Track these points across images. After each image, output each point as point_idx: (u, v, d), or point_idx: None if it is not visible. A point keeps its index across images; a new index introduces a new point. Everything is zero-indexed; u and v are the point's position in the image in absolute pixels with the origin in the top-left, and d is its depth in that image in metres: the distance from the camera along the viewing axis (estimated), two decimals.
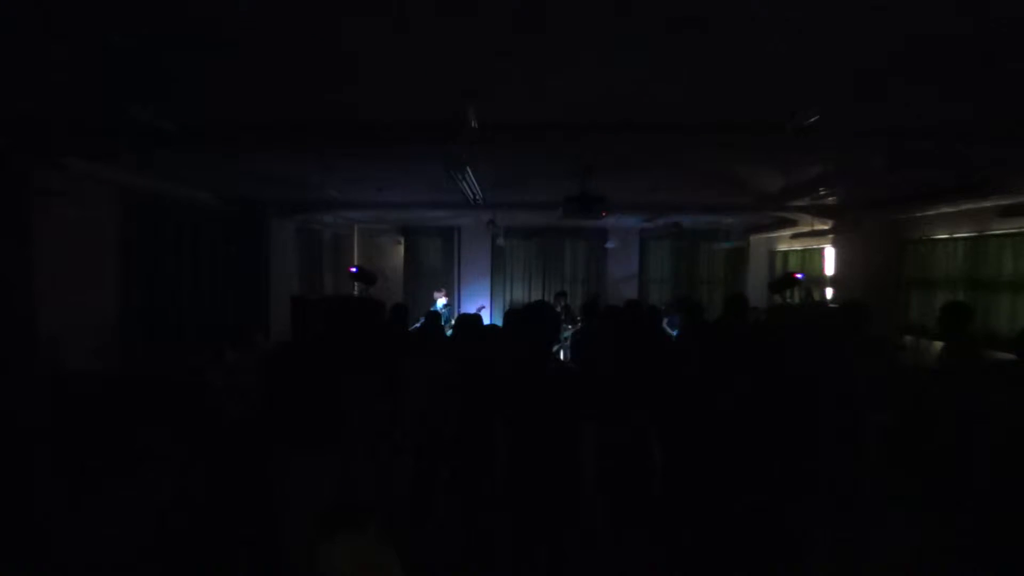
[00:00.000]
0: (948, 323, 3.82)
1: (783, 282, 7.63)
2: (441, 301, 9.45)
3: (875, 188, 6.65)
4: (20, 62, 3.12)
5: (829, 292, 8.97)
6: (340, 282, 10.74)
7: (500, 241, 10.16)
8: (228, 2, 2.46)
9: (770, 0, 2.39)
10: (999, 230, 6.15)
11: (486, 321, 6.07)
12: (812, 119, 3.67)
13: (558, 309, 8.77)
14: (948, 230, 6.83)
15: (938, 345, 6.08)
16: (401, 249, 11.52)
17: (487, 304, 11.31)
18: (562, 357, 7.92)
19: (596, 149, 4.86)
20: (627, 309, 5.10)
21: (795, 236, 9.84)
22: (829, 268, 9.29)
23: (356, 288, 9.00)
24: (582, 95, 3.69)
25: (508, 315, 4.01)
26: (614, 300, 10.30)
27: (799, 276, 7.63)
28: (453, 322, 7.82)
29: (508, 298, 11.54)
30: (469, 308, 10.22)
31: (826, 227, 8.56)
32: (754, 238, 11.06)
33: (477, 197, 6.47)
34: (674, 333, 7.55)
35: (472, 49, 2.95)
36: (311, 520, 1.75)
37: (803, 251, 10.11)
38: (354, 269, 8.92)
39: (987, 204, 5.99)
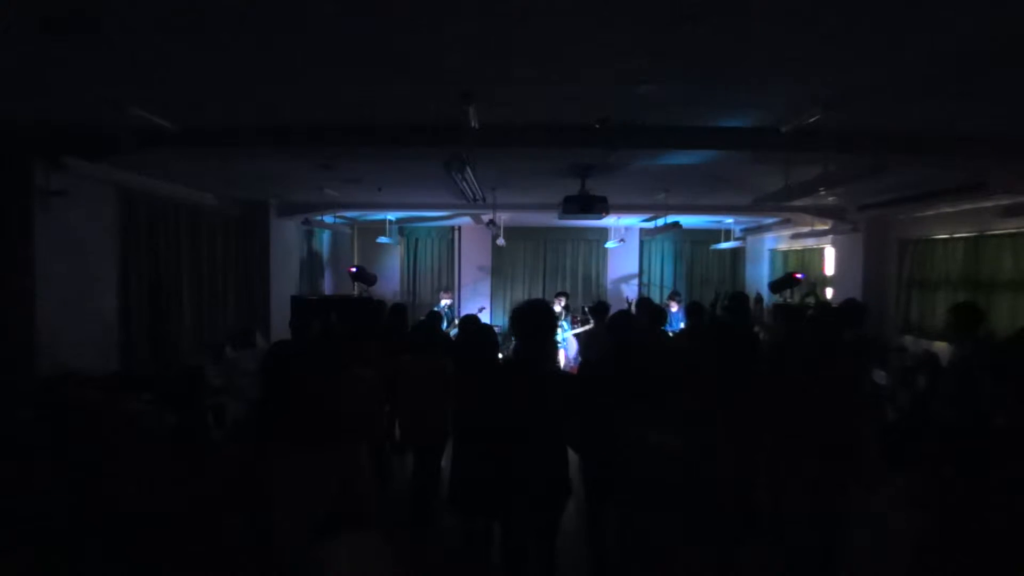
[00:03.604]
0: (958, 324, 3.70)
1: (783, 282, 7.62)
2: (445, 301, 9.46)
3: (875, 188, 6.63)
4: (20, 62, 3.12)
5: (829, 292, 8.97)
6: (340, 282, 10.75)
7: (500, 241, 10.14)
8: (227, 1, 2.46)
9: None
10: (999, 230, 6.15)
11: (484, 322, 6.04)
12: (812, 119, 3.67)
13: (558, 309, 8.77)
14: (948, 230, 6.82)
15: (940, 345, 6.08)
16: (401, 249, 11.51)
17: (487, 305, 11.31)
18: (561, 357, 7.93)
19: (596, 150, 4.85)
20: (641, 307, 5.09)
21: (795, 236, 9.83)
22: (829, 268, 9.28)
23: (356, 288, 8.99)
24: (583, 95, 3.69)
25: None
26: (614, 300, 10.30)
27: (799, 276, 7.62)
28: (457, 322, 7.83)
29: (508, 298, 11.52)
30: (469, 308, 10.21)
31: (826, 227, 8.55)
32: (754, 238, 11.05)
33: (477, 197, 6.47)
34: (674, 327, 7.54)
35: (472, 49, 2.95)
36: (311, 520, 1.75)
37: (803, 251, 10.10)
38: (354, 269, 8.92)
39: (987, 204, 5.99)
